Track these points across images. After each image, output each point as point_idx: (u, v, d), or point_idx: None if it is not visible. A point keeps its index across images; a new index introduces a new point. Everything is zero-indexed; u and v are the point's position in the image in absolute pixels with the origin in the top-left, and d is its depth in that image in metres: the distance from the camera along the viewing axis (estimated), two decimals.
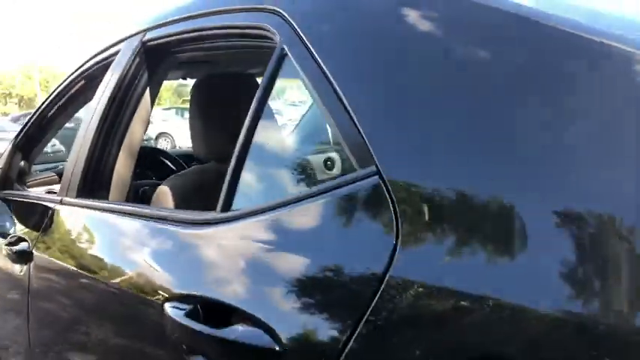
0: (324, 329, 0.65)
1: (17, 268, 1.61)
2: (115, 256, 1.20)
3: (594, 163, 0.56)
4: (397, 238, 0.62)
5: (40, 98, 45.23)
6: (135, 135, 1.53)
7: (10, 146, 2.24)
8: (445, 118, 0.68)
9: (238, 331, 0.74)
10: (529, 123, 0.62)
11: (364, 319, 0.60)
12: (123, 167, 1.51)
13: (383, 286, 0.60)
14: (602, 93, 0.60)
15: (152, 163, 2.51)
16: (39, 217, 1.62)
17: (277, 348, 0.68)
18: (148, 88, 1.51)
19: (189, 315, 0.82)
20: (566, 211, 0.55)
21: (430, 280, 0.60)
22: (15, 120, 19.09)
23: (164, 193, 1.43)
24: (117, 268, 1.15)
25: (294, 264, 0.74)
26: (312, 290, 0.70)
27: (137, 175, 1.72)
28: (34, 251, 1.53)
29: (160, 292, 0.92)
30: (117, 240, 1.24)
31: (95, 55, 1.75)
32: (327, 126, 0.80)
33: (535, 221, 0.57)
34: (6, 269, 1.71)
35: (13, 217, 1.96)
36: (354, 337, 0.61)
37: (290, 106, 11.45)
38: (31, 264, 1.53)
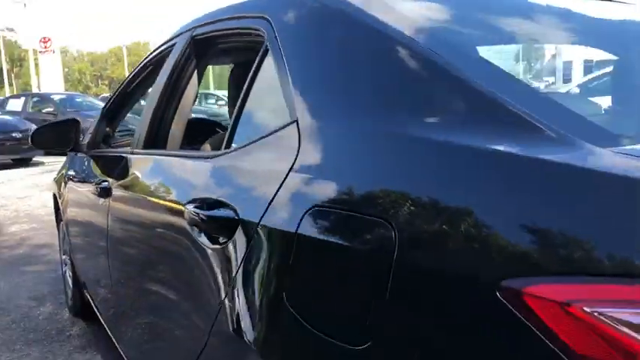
0: (259, 202, 1.15)
1: (101, 200, 2.22)
2: (163, 181, 1.77)
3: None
4: (297, 155, 1.11)
5: None
6: (186, 105, 2.08)
7: (99, 116, 2.88)
8: (339, 94, 1.17)
9: (221, 211, 1.26)
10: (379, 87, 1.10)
11: (274, 197, 1.10)
12: (177, 128, 2.07)
13: (286, 179, 1.10)
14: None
15: (207, 133, 3.09)
16: (116, 165, 2.22)
17: (236, 217, 1.20)
18: (196, 71, 2.05)
19: (198, 207, 1.35)
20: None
21: (313, 177, 1.08)
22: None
23: (206, 147, 1.99)
24: (164, 188, 1.72)
25: (251, 172, 1.26)
26: (255, 184, 1.22)
27: (194, 141, 2.28)
28: (112, 187, 2.13)
29: (185, 197, 1.46)
30: (165, 172, 1.80)
31: (160, 46, 2.33)
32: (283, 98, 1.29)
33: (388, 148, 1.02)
34: (93, 202, 2.34)
35: (98, 167, 2.60)
36: (267, 209, 1.11)
37: None
38: (110, 197, 2.13)
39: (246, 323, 1.13)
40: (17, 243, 5.27)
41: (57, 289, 3.90)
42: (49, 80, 27.82)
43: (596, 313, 0.60)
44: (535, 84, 1.12)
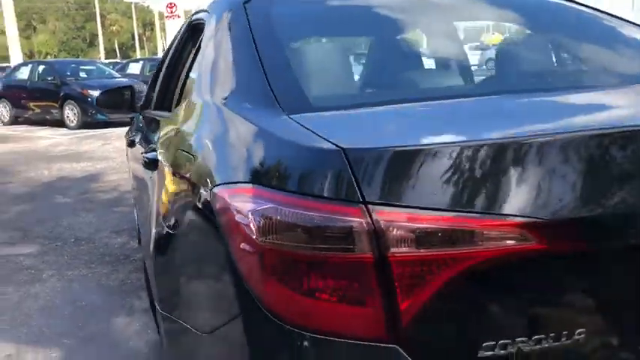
0: (166, 147, 1.72)
1: (130, 150, 2.92)
2: (148, 134, 2.40)
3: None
4: (183, 116, 1.66)
5: None
6: (184, 75, 2.67)
7: (149, 83, 3.55)
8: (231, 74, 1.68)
9: (152, 154, 1.85)
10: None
11: (169, 144, 1.67)
12: (177, 92, 2.67)
13: (177, 132, 1.66)
14: None
15: None
16: (143, 122, 2.88)
17: (157, 158, 1.78)
18: (193, 48, 2.63)
19: (145, 152, 1.94)
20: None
21: (183, 130, 1.63)
22: None
23: None
24: (145, 139, 2.35)
25: (169, 127, 1.83)
26: (168, 136, 1.79)
27: None
28: (134, 139, 2.80)
29: (148, 145, 2.07)
30: (151, 127, 2.42)
31: (181, 27, 2.93)
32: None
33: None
34: (131, 152, 3.06)
35: (138, 124, 3.29)
36: (166, 151, 1.68)
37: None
38: (134, 147, 2.81)
39: (151, 219, 1.75)
40: (112, 188, 6.25)
41: (134, 225, 4.73)
42: None
43: (227, 199, 1.11)
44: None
